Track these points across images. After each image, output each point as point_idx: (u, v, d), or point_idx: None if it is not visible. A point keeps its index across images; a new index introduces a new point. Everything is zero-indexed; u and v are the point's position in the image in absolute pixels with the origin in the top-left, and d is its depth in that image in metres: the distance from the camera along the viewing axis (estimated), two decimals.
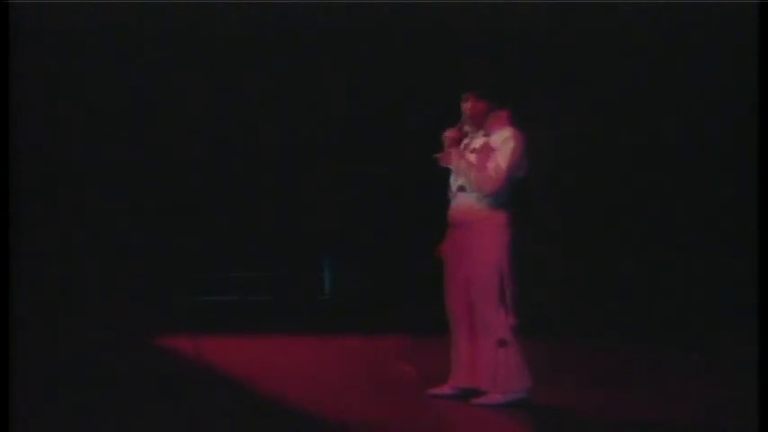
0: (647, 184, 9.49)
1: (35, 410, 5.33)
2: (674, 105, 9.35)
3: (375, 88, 9.32)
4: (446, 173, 5.88)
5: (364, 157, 9.46)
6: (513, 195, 5.72)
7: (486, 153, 5.67)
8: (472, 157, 5.70)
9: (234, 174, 9.53)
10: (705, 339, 8.30)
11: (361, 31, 9.15)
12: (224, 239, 9.61)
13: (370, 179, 9.51)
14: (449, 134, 5.80)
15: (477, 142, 5.75)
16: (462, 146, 5.79)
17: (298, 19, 8.94)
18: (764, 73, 5.66)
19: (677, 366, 7.38)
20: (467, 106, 5.77)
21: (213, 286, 9.77)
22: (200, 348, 7.81)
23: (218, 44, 9.15)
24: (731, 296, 8.93)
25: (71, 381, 6.38)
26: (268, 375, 6.71)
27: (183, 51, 9.12)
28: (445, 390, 5.82)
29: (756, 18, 5.92)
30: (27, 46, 8.18)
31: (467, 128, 5.81)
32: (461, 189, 5.74)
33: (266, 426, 5.27)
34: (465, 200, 5.73)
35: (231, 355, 7.60)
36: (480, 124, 5.75)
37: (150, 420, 5.25)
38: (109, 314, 8.74)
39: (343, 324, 9.10)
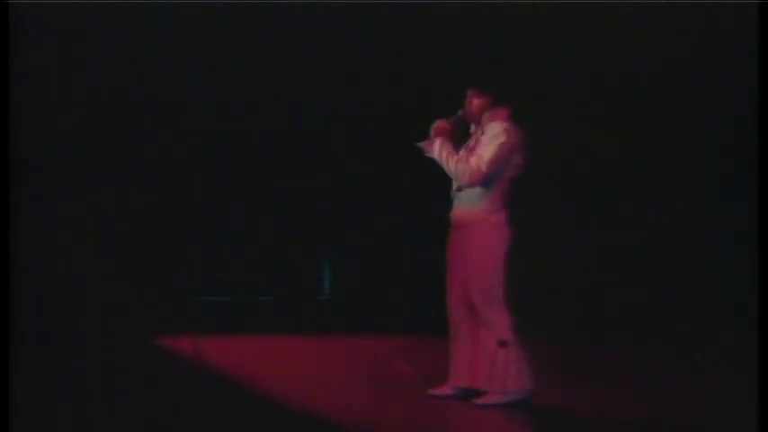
0: (646, 183, 9.48)
1: (35, 410, 5.33)
2: (673, 105, 9.34)
3: (376, 88, 9.31)
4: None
5: (365, 156, 9.46)
6: (512, 196, 5.70)
7: (474, 146, 5.66)
8: (465, 155, 5.68)
9: (234, 173, 9.53)
10: (705, 339, 8.30)
11: (362, 31, 9.14)
12: (224, 239, 9.61)
13: (371, 179, 9.50)
14: (438, 124, 5.78)
15: (473, 140, 5.74)
16: (464, 146, 5.79)
17: (298, 19, 8.94)
18: (764, 73, 5.67)
19: (677, 366, 7.38)
20: (468, 101, 5.77)
21: (213, 286, 9.77)
22: (200, 348, 7.81)
23: (218, 44, 9.15)
24: (731, 296, 8.93)
25: (71, 381, 6.38)
26: (268, 375, 6.71)
27: (183, 51, 9.12)
28: (445, 390, 5.82)
29: (756, 18, 5.92)
30: (27, 46, 8.18)
31: (471, 126, 5.82)
32: (459, 189, 5.73)
33: (266, 426, 5.27)
34: (463, 201, 5.72)
35: (231, 355, 7.60)
36: (479, 120, 5.75)
37: (150, 420, 5.25)
38: (109, 314, 8.74)
39: (343, 324, 9.10)
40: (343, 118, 9.44)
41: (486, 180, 5.58)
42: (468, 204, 5.68)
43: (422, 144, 5.78)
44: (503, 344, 5.56)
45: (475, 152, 5.62)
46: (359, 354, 7.88)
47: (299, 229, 9.66)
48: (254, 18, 8.93)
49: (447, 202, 5.88)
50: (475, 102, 5.75)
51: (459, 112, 5.81)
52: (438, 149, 5.71)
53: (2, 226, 5.10)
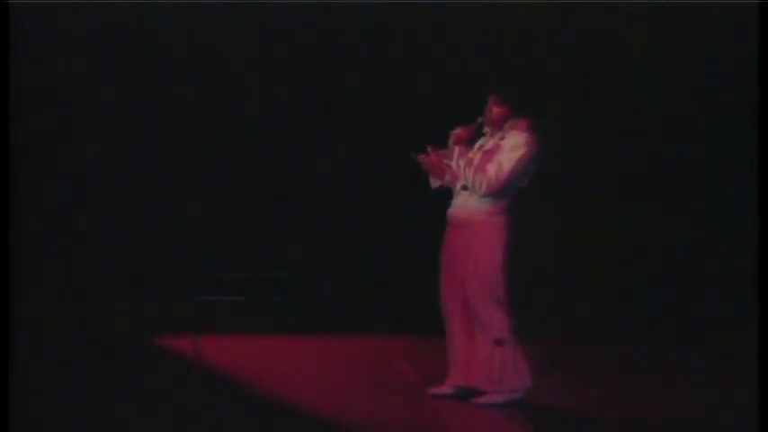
0: (646, 183, 9.48)
1: (35, 410, 5.32)
2: (673, 106, 9.33)
3: (377, 89, 9.31)
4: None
5: (365, 156, 9.45)
6: (515, 201, 5.71)
7: (492, 154, 5.68)
8: (479, 156, 5.70)
9: (234, 173, 9.52)
10: (705, 339, 8.29)
11: (371, 32, 9.13)
12: (224, 239, 9.60)
13: (371, 178, 9.50)
14: (457, 131, 5.81)
15: (490, 143, 5.76)
16: (477, 146, 5.81)
17: (298, 19, 8.93)
18: (764, 73, 5.67)
19: (677, 366, 7.38)
20: (488, 108, 5.79)
21: (213, 286, 9.76)
22: (200, 348, 7.81)
23: (219, 44, 9.14)
24: (731, 296, 8.92)
25: (71, 381, 6.38)
26: (268, 375, 6.71)
27: (183, 51, 9.11)
28: (445, 389, 5.83)
29: (756, 18, 5.92)
30: (27, 46, 8.17)
31: (486, 129, 5.83)
32: (465, 188, 5.75)
33: (266, 426, 5.27)
34: (467, 199, 5.74)
35: (231, 355, 7.60)
36: (500, 128, 5.77)
37: (150, 420, 5.24)
38: (109, 314, 8.74)
39: (343, 324, 9.09)
40: (343, 118, 9.43)
41: (503, 190, 5.62)
42: (472, 204, 5.70)
43: (439, 153, 5.80)
44: (499, 342, 5.56)
45: (494, 158, 5.64)
46: (359, 354, 7.88)
47: (298, 229, 9.66)
48: (254, 18, 8.93)
49: (447, 203, 5.87)
50: (495, 110, 5.78)
51: (480, 119, 5.83)
52: (456, 158, 5.75)
53: (2, 226, 5.10)
